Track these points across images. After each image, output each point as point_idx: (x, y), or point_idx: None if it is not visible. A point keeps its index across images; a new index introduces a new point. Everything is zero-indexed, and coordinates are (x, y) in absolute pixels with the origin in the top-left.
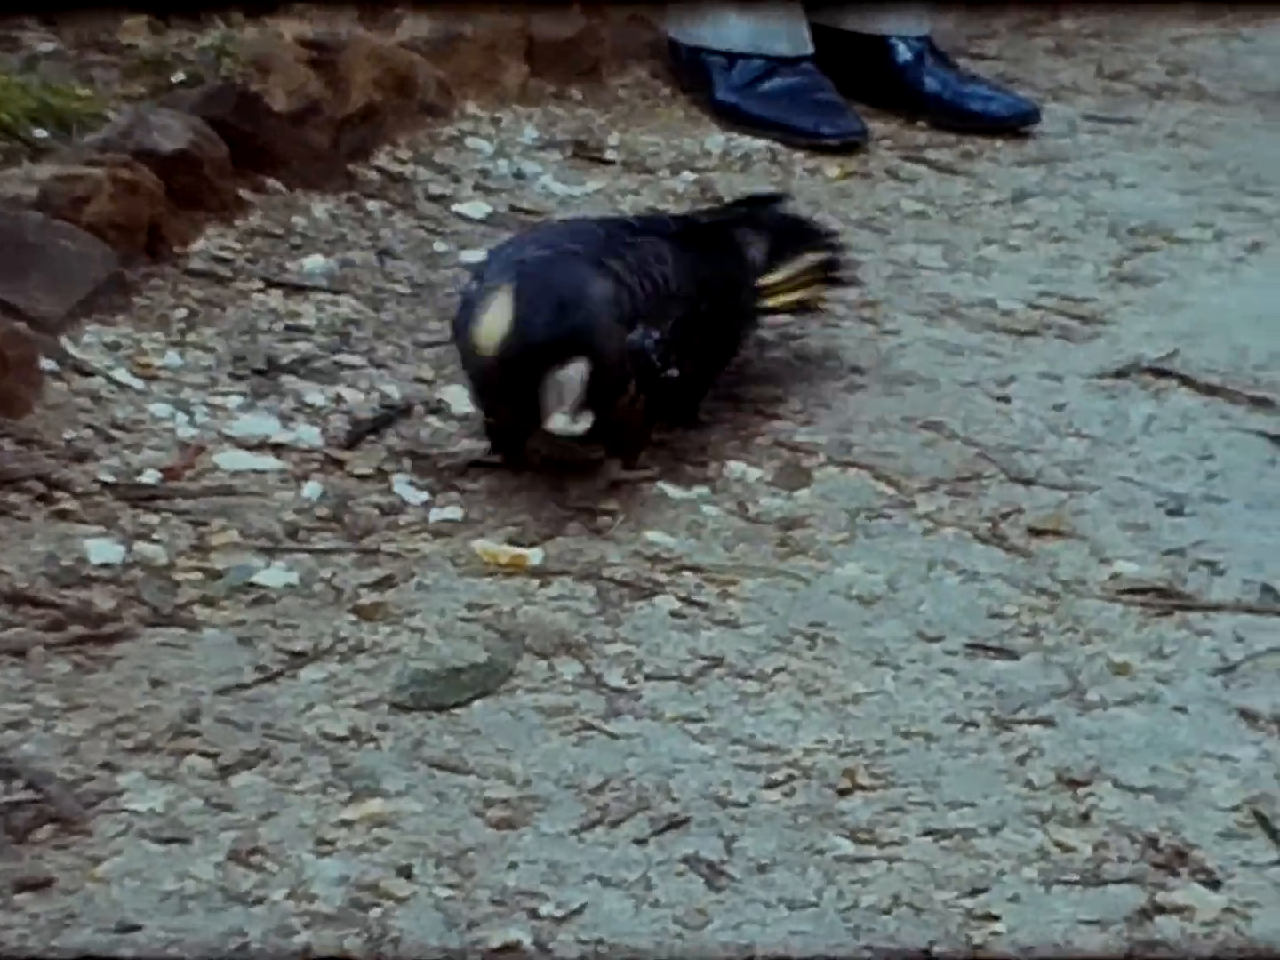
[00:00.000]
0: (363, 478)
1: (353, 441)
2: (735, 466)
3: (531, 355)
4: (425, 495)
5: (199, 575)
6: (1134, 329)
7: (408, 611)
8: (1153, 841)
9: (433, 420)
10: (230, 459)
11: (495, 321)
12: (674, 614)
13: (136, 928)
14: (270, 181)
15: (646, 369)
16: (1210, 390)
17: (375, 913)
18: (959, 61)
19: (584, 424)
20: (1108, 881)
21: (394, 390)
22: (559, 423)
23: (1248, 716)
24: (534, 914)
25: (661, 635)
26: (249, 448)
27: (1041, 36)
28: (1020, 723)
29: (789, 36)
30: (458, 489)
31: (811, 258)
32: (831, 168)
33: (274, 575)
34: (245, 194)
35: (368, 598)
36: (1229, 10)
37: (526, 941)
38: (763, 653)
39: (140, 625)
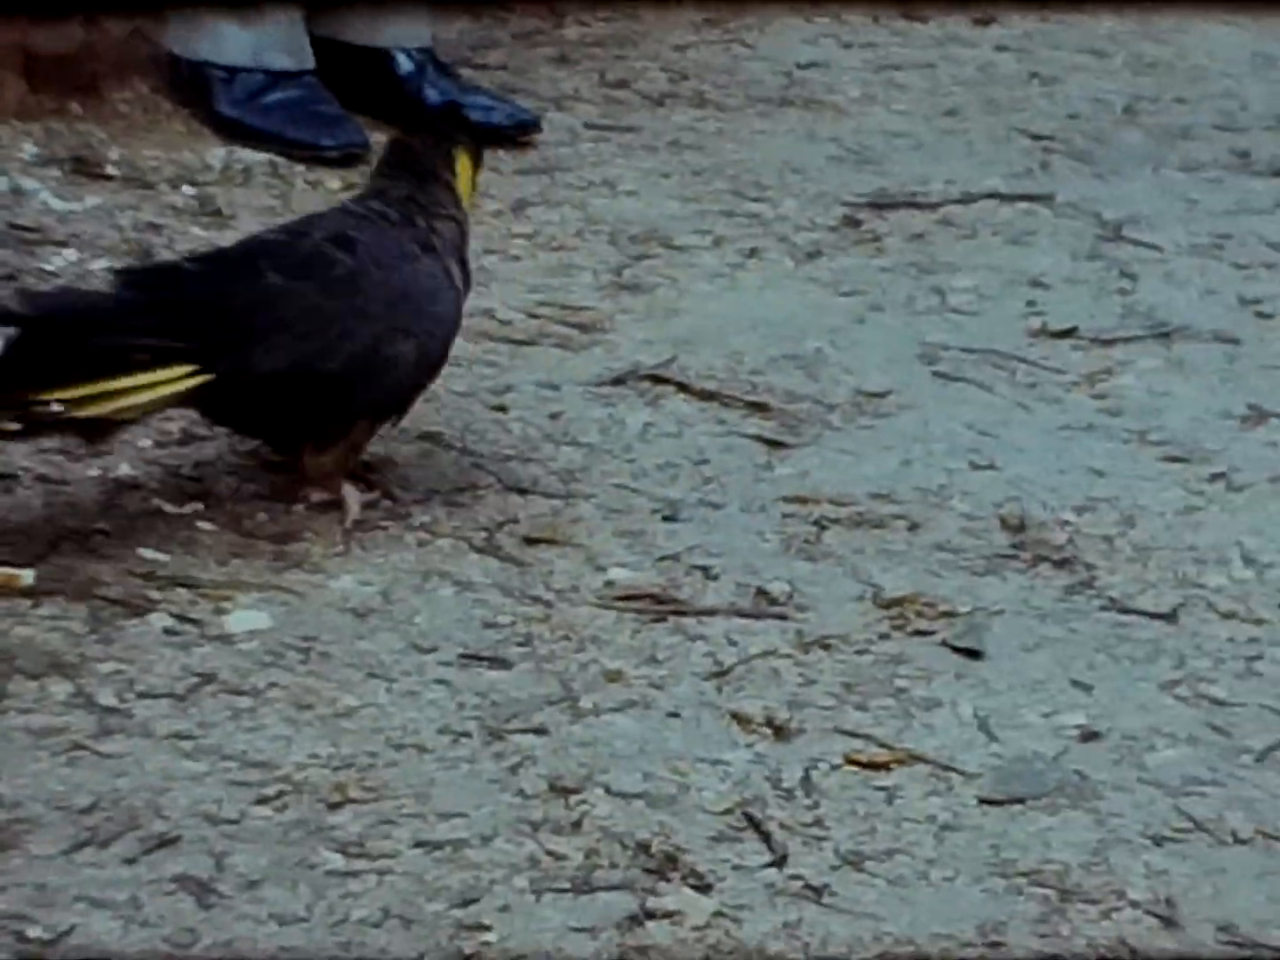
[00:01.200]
0: None
1: None
2: (230, 481)
3: None
4: None
5: None
6: (632, 336)
7: None
8: (644, 847)
9: None
10: None
11: None
12: (167, 631)
13: None
14: None
15: None
16: (706, 396)
17: None
18: (462, 72)
19: None
20: (599, 888)
21: None
22: None
23: (740, 719)
24: (21, 937)
25: (155, 653)
26: None
27: (544, 46)
28: (513, 732)
29: (290, 50)
30: None
31: None
32: (333, 180)
33: None
34: None
35: None
36: (732, 17)
37: None
38: (256, 668)
39: None
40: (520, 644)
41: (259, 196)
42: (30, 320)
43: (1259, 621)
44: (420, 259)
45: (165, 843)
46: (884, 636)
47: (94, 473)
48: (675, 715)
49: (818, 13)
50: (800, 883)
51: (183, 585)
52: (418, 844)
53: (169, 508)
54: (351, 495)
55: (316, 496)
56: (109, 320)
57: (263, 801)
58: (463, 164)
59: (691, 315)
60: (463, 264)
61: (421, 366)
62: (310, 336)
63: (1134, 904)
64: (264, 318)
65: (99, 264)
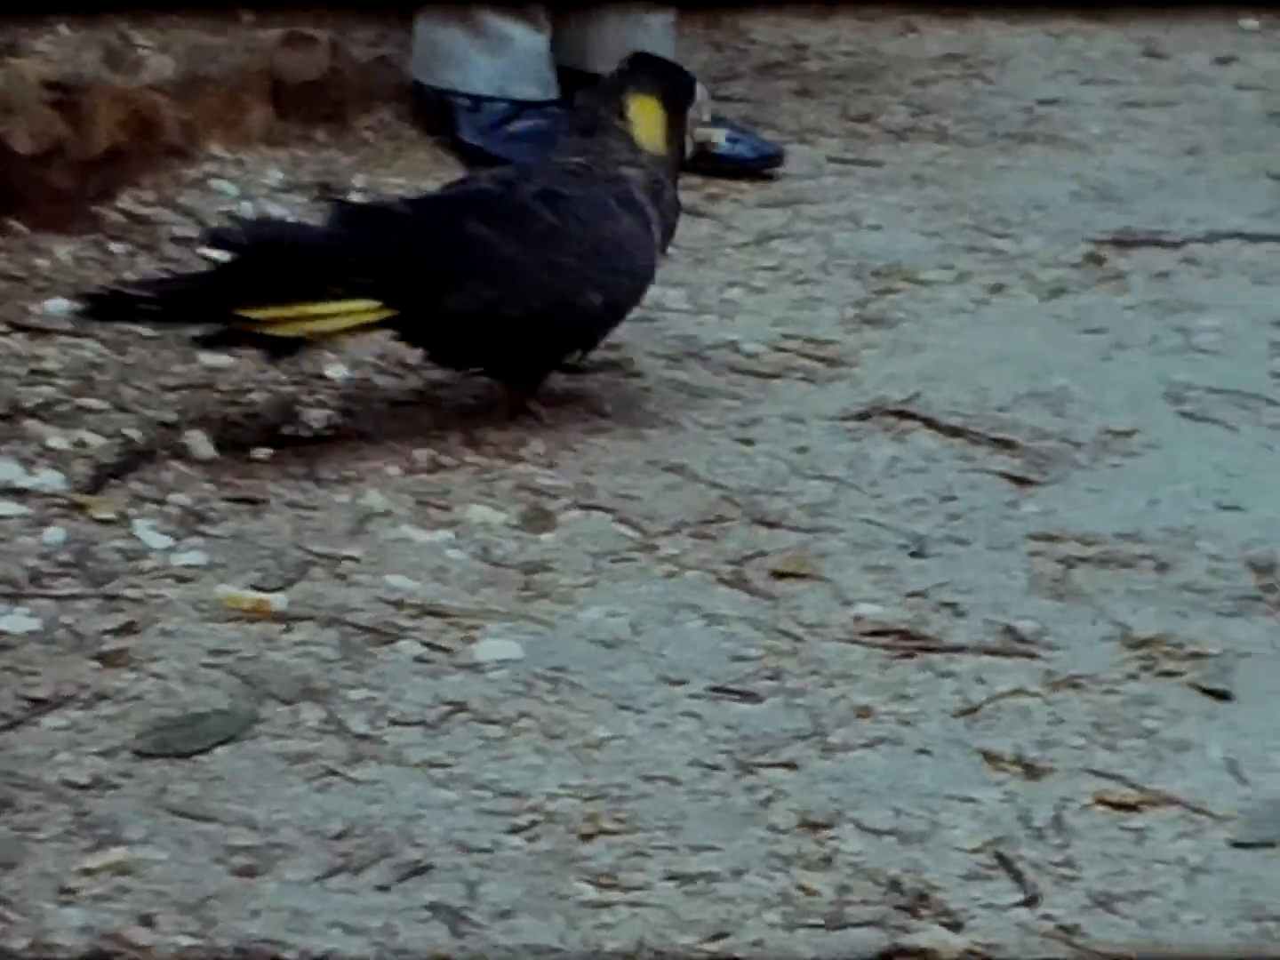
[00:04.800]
0: (105, 522)
1: (95, 486)
2: (478, 510)
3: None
4: (168, 540)
5: None
6: (876, 371)
7: (150, 658)
8: (895, 884)
9: (176, 464)
10: None
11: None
12: (417, 659)
13: None
14: (13, 223)
15: None
16: (952, 432)
17: None
18: None
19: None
20: (850, 924)
21: (137, 434)
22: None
23: (990, 758)
24: None
25: (404, 681)
26: None
27: (786, 79)
28: (763, 766)
29: (535, 80)
30: (201, 534)
31: None
32: None
33: (15, 621)
34: None
35: (110, 644)
36: (976, 52)
37: None
38: (506, 697)
39: None
40: (769, 678)
41: None
42: (243, 247)
43: None
44: (620, 215)
45: (418, 870)
46: (1132, 677)
47: (343, 499)
48: (925, 752)
49: (1059, 49)
50: (1051, 923)
51: (432, 613)
52: (670, 876)
53: (418, 535)
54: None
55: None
56: (314, 252)
57: (515, 831)
58: (643, 107)
59: (935, 350)
60: (658, 206)
61: (609, 314)
62: (499, 285)
63: None
64: (457, 264)
65: None
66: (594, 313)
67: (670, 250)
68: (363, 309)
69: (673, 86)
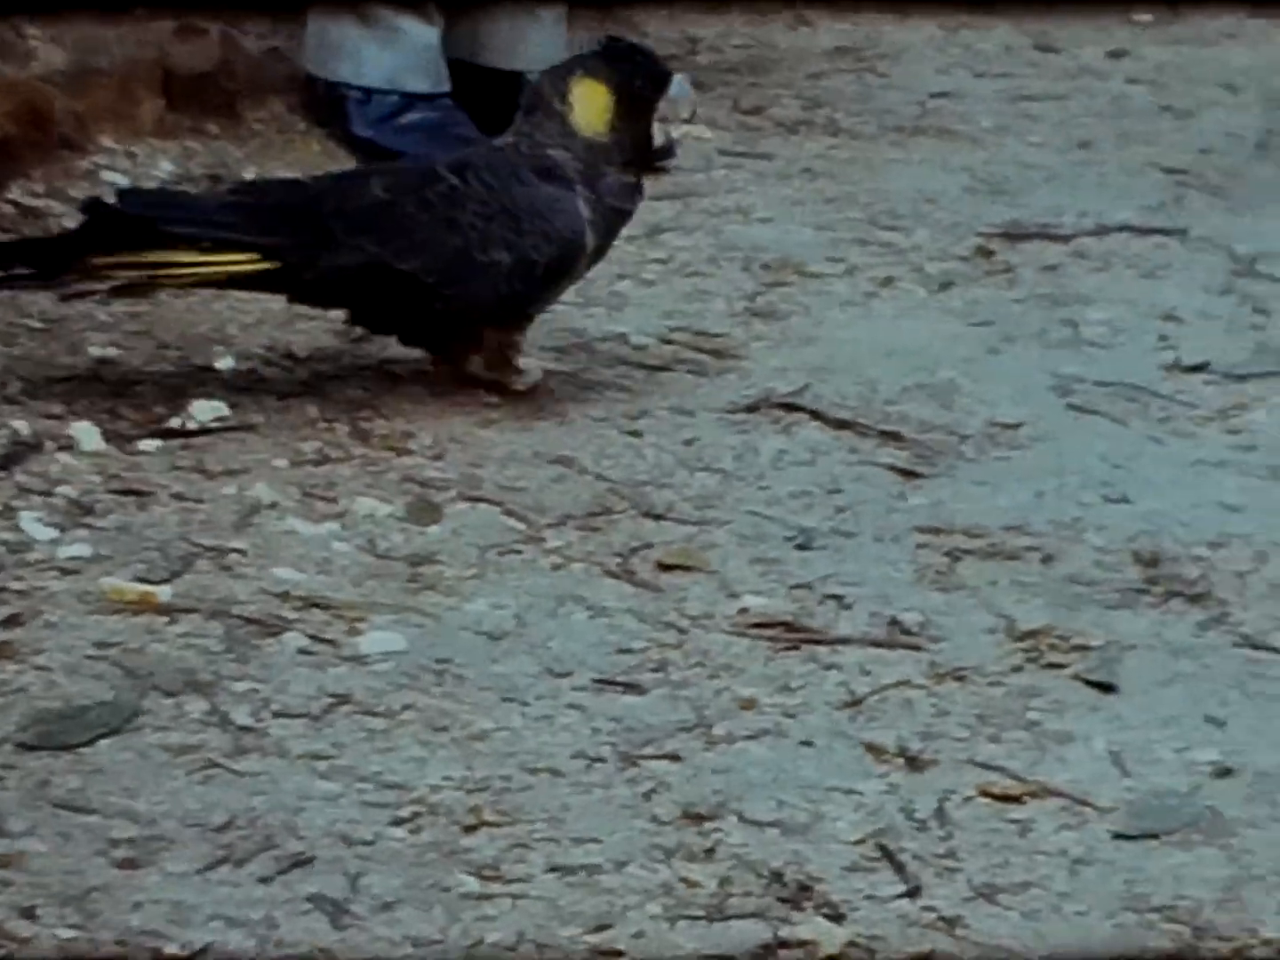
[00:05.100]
0: None
1: None
2: (365, 502)
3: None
4: (54, 532)
5: None
6: (765, 364)
7: (34, 650)
8: (777, 875)
9: (63, 456)
10: None
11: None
12: (302, 651)
13: None
14: None
15: None
16: (840, 424)
17: None
18: None
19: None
20: (732, 916)
21: (23, 425)
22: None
23: (873, 750)
24: (157, 954)
25: (289, 673)
26: None
27: (678, 71)
28: (646, 758)
29: (427, 73)
30: (87, 526)
31: None
32: None
33: None
34: None
35: None
36: (868, 47)
37: None
38: (390, 690)
39: None
40: (654, 670)
41: None
42: (117, 211)
43: None
44: (536, 183)
45: (300, 862)
46: (1017, 669)
47: (229, 491)
48: (809, 744)
49: (951, 43)
50: (934, 914)
51: (317, 605)
52: (551, 868)
53: (304, 528)
54: (531, 365)
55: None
56: (190, 213)
57: (397, 823)
58: (588, 91)
59: (825, 343)
60: (594, 188)
61: (523, 274)
62: (389, 240)
63: (1267, 942)
64: (345, 220)
65: None
66: (501, 270)
67: None
68: (235, 259)
69: (629, 73)
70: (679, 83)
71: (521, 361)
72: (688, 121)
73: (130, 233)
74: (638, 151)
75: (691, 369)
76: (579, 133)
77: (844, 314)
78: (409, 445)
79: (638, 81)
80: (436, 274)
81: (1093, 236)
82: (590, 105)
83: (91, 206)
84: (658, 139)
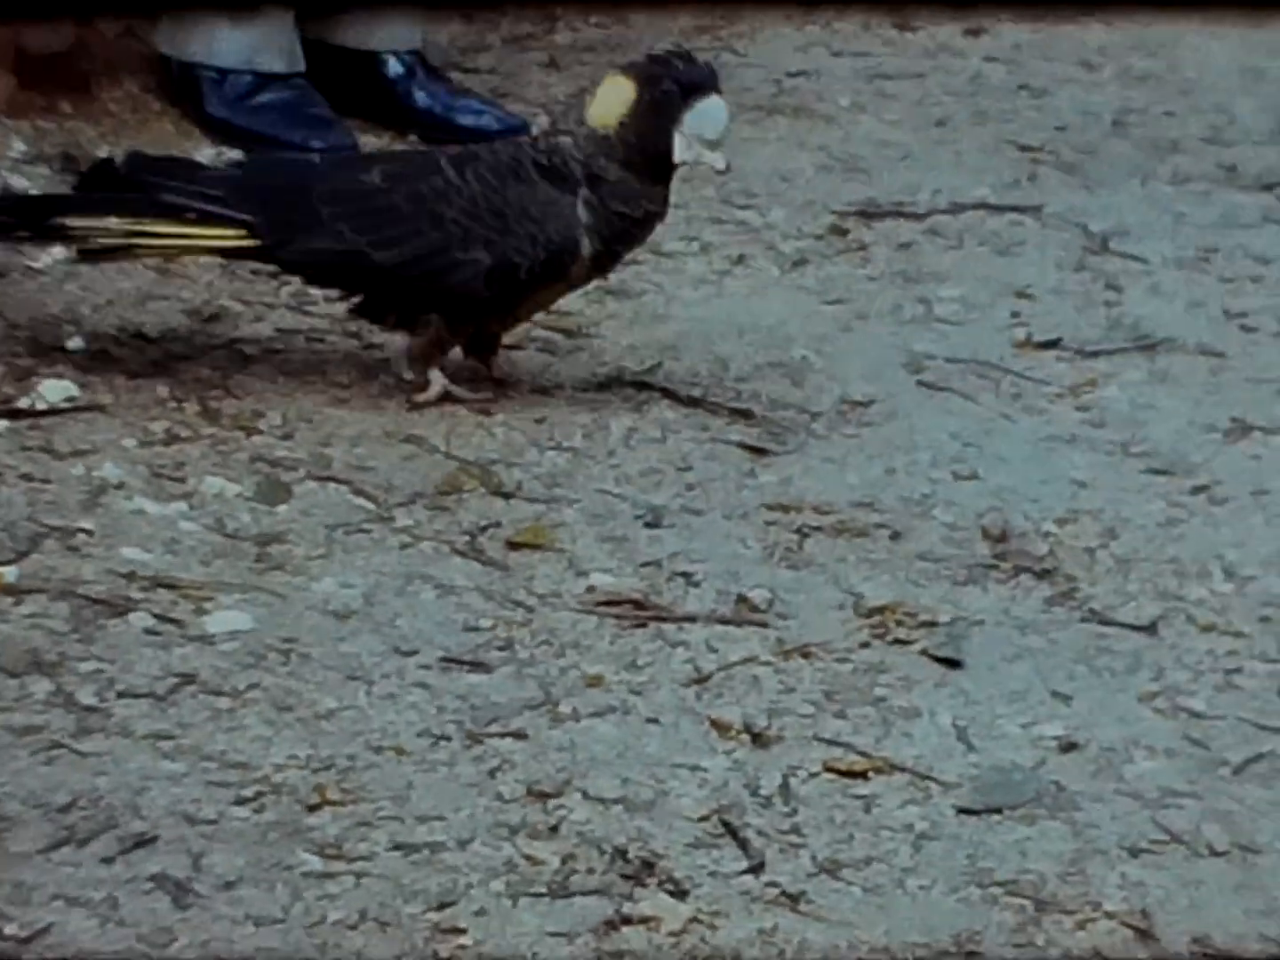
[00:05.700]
0: None
1: None
2: (213, 482)
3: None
4: None
5: None
6: (618, 342)
7: None
8: (621, 852)
9: None
10: None
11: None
12: (148, 631)
13: None
14: None
15: None
16: (691, 402)
17: None
18: (452, 76)
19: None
20: (575, 893)
21: None
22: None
23: (719, 727)
24: None
25: (134, 653)
26: None
27: (535, 50)
28: (492, 736)
29: (281, 52)
30: None
31: None
32: None
33: None
34: None
35: None
36: (723, 24)
37: None
38: (236, 669)
39: None
40: (501, 648)
41: None
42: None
43: (1238, 634)
44: (536, 182)
45: (143, 842)
46: (864, 645)
47: (78, 471)
48: (654, 721)
49: (808, 21)
50: (777, 890)
51: (164, 585)
52: (395, 846)
53: (152, 507)
54: (436, 378)
55: (408, 375)
56: (187, 184)
57: (241, 802)
58: (612, 83)
59: (677, 322)
60: (597, 190)
61: (503, 275)
62: (370, 230)
63: (1109, 915)
64: (329, 206)
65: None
66: (479, 270)
67: None
68: (216, 234)
69: (661, 75)
70: (717, 103)
71: (432, 374)
72: (712, 148)
73: (121, 197)
74: (648, 155)
75: (543, 347)
76: (588, 122)
77: (697, 292)
78: (258, 425)
79: (666, 84)
80: (416, 269)
81: (947, 214)
82: (611, 98)
83: (98, 167)
84: (679, 152)
